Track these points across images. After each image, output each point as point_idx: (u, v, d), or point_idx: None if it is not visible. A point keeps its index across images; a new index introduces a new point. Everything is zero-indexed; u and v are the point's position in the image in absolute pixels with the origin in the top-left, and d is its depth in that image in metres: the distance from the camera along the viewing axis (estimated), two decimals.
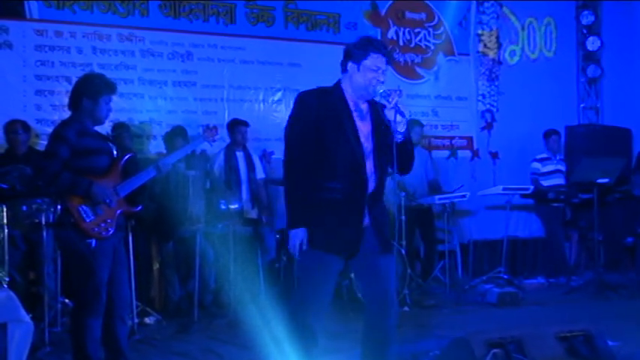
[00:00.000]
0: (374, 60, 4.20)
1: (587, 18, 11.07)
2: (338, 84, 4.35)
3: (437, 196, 8.92)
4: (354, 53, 4.25)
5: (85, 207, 4.70)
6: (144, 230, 7.02)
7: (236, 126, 8.02)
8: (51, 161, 4.68)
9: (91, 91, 4.86)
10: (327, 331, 6.60)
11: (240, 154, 8.00)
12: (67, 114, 5.01)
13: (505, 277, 8.86)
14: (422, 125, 9.08)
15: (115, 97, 5.08)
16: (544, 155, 9.69)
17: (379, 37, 9.65)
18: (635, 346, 5.38)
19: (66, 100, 5.05)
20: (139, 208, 5.18)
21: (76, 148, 4.72)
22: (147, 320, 6.83)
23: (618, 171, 9.39)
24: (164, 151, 7.59)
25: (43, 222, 6.15)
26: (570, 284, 9.09)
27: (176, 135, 7.47)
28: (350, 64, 4.24)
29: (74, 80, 5.10)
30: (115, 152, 5.04)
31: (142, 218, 6.13)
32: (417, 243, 8.89)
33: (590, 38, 11.07)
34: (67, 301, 6.49)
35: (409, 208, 8.48)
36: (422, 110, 9.85)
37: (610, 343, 4.79)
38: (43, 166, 4.75)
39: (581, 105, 11.20)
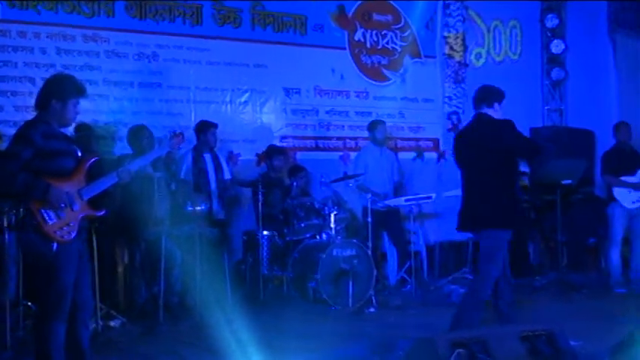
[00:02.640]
0: None
1: (551, 21, 11.14)
2: None
3: (403, 198, 8.94)
4: None
5: (46, 210, 4.61)
6: (108, 232, 6.93)
7: (206, 128, 7.98)
8: (10, 161, 4.56)
9: (60, 92, 4.76)
10: (294, 332, 6.65)
11: (207, 156, 7.97)
12: (30, 115, 4.91)
13: (470, 277, 8.87)
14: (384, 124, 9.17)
15: None
16: None
17: (346, 39, 9.68)
18: (597, 345, 5.39)
19: (29, 102, 4.96)
20: (102, 212, 5.09)
21: (41, 150, 4.60)
22: (111, 323, 6.71)
23: (581, 172, 9.44)
24: (130, 152, 7.48)
25: (5, 224, 6.04)
26: (534, 284, 9.14)
27: (140, 134, 7.37)
28: None
29: (38, 81, 5.01)
30: (79, 154, 4.94)
31: (106, 220, 6.02)
32: (383, 245, 8.86)
33: (555, 41, 11.15)
34: (29, 304, 6.38)
35: (375, 210, 8.48)
36: (388, 112, 9.86)
37: (572, 342, 4.78)
38: (0, 165, 4.63)
39: (546, 107, 11.30)
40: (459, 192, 9.10)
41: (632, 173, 8.72)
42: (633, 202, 8.70)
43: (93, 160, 5.00)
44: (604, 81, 11.17)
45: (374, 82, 9.96)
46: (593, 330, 6.19)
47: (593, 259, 9.92)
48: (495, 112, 6.27)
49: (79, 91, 4.86)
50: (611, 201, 8.82)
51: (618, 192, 8.73)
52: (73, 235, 4.71)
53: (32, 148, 4.57)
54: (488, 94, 6.34)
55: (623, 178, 8.71)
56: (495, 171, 6.01)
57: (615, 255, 8.81)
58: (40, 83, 7.40)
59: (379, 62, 10.03)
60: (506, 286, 6.22)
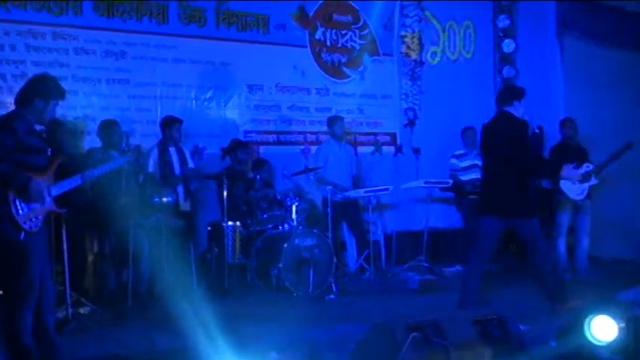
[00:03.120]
0: None
1: (503, 22, 11.25)
2: None
3: (362, 190, 9.05)
4: None
5: (19, 200, 4.68)
6: (78, 223, 6.94)
7: (172, 123, 8.01)
8: None
9: (44, 92, 4.86)
10: (257, 317, 6.73)
11: (172, 150, 8.00)
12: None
13: (426, 265, 9.03)
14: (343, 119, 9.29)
15: None
16: (461, 151, 9.85)
17: (307, 38, 9.76)
18: (544, 328, 5.45)
19: None
20: (64, 210, 5.17)
21: (21, 144, 4.69)
22: (81, 310, 6.75)
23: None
24: (98, 145, 7.49)
25: None
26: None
27: (110, 129, 7.41)
28: None
29: (8, 77, 5.01)
30: (49, 152, 5.03)
31: (76, 211, 6.07)
32: (342, 234, 8.97)
33: (506, 41, 11.25)
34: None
35: (335, 201, 8.58)
36: (348, 108, 9.97)
37: (521, 327, 4.86)
38: None
39: None
40: (414, 184, 9.33)
41: (578, 167, 8.88)
42: (578, 194, 8.86)
43: (62, 158, 5.14)
44: (552, 79, 11.24)
45: (334, 79, 10.04)
46: (541, 314, 6.31)
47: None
48: (515, 109, 6.79)
49: (60, 93, 4.97)
50: (557, 192, 8.95)
51: (564, 184, 8.89)
52: (39, 227, 4.81)
53: (15, 139, 4.66)
54: (507, 93, 6.94)
55: (569, 171, 8.84)
56: (513, 161, 6.58)
57: (561, 244, 8.96)
58: (10, 80, 7.62)
59: (339, 60, 10.10)
60: None
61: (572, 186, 8.83)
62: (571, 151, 9.00)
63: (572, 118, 9.27)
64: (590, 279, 8.67)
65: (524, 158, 6.67)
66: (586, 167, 8.86)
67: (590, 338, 4.83)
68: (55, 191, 4.99)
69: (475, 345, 4.43)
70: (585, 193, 8.89)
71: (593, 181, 8.88)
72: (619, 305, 4.93)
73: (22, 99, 4.89)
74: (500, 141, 6.66)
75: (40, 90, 4.87)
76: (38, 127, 5.14)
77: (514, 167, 6.57)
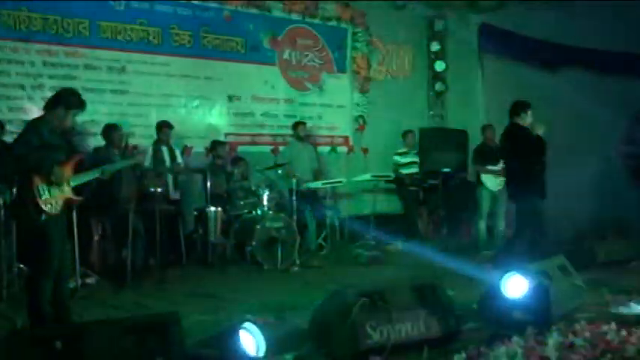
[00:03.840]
0: None
1: (435, 46, 11.30)
2: None
3: (321, 182, 9.03)
4: None
5: (42, 186, 4.59)
6: (86, 209, 6.82)
7: (163, 127, 7.96)
8: (22, 146, 4.62)
9: (66, 102, 4.79)
10: (236, 286, 6.68)
11: (164, 149, 7.92)
12: None
13: (373, 243, 9.02)
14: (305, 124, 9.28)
15: None
16: (403, 150, 9.87)
17: (277, 58, 9.68)
18: (468, 294, 5.47)
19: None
20: (80, 198, 5.11)
21: (45, 143, 4.64)
22: (88, 281, 6.65)
23: (457, 163, 9.70)
24: (102, 145, 7.37)
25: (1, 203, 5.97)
26: (421, 248, 9.22)
27: (112, 131, 7.29)
28: None
29: (27, 88, 4.87)
30: (71, 150, 5.06)
31: (84, 199, 5.97)
32: (304, 218, 8.92)
33: (438, 62, 11.29)
34: (22, 266, 6.26)
35: (299, 191, 8.56)
36: (309, 115, 9.91)
37: (449, 292, 4.87)
38: (15, 148, 4.72)
39: (430, 112, 11.39)
40: (363, 177, 9.33)
41: (495, 164, 8.94)
42: (496, 186, 8.91)
43: (79, 156, 5.15)
44: (474, 93, 11.37)
45: (298, 92, 9.99)
46: (466, 282, 6.32)
47: (466, 228, 10.12)
48: (522, 119, 6.97)
49: (81, 105, 4.90)
50: (479, 184, 8.99)
51: (484, 177, 8.94)
52: (59, 210, 4.72)
53: (39, 139, 4.62)
54: (514, 108, 7.04)
55: (488, 167, 8.92)
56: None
57: (482, 225, 9.00)
58: (29, 89, 7.59)
59: (302, 76, 10.05)
60: None
61: (492, 179, 8.88)
62: (490, 152, 9.03)
63: (491, 124, 9.32)
64: None
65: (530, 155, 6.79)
66: (502, 164, 8.91)
67: (505, 295, 4.87)
68: (75, 181, 4.95)
69: (412, 308, 4.42)
70: (501, 185, 8.93)
71: None
72: (529, 268, 4.98)
73: (48, 106, 4.83)
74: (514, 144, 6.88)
75: (63, 100, 4.79)
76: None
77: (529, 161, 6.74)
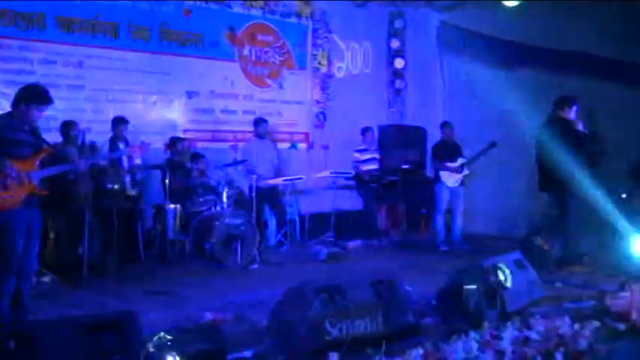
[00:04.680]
0: None
1: (394, 43, 11.37)
2: None
3: (281, 178, 9.03)
4: None
5: None
6: (42, 206, 6.71)
7: (119, 122, 7.85)
8: None
9: (27, 98, 4.80)
10: (194, 283, 6.65)
11: (122, 144, 7.81)
12: None
13: (332, 239, 9.06)
14: (265, 121, 9.22)
15: None
16: (363, 147, 9.93)
17: (236, 54, 9.64)
18: (426, 290, 5.52)
19: None
20: (45, 192, 5.06)
21: (8, 139, 4.67)
22: (44, 279, 6.56)
23: (417, 159, 9.79)
24: (60, 141, 7.24)
25: None
26: (381, 244, 9.41)
27: (70, 128, 7.18)
28: None
29: None
30: (38, 145, 4.99)
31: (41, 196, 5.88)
32: (264, 214, 8.92)
33: (397, 59, 11.36)
34: None
35: (259, 188, 8.54)
36: (269, 111, 9.85)
37: (407, 288, 4.92)
38: None
39: (390, 109, 11.42)
40: (323, 174, 9.37)
41: (454, 160, 9.06)
42: (454, 182, 9.04)
43: (45, 151, 5.07)
44: (433, 90, 11.45)
45: (258, 88, 9.94)
46: (423, 278, 6.41)
47: (425, 223, 10.23)
48: (566, 113, 7.28)
49: (44, 100, 4.87)
50: (437, 181, 9.10)
51: (443, 174, 9.04)
52: (17, 205, 4.71)
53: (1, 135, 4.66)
54: (561, 101, 7.35)
55: (446, 164, 9.04)
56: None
57: (440, 222, 9.11)
58: None
59: (262, 72, 10.00)
60: None
61: (449, 176, 8.99)
62: (448, 148, 9.16)
63: (450, 122, 9.43)
64: (463, 250, 8.80)
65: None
66: (460, 161, 9.04)
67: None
68: (38, 175, 4.93)
69: (370, 304, 4.46)
70: (459, 182, 9.06)
71: (465, 171, 9.05)
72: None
73: (13, 102, 4.84)
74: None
75: (23, 96, 4.79)
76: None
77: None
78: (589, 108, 8.29)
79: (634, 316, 4.78)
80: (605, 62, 12.20)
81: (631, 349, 4.38)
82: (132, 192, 7.85)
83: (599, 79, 11.86)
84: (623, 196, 8.89)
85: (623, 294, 5.41)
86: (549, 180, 7.24)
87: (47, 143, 5.13)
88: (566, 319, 4.75)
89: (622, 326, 4.69)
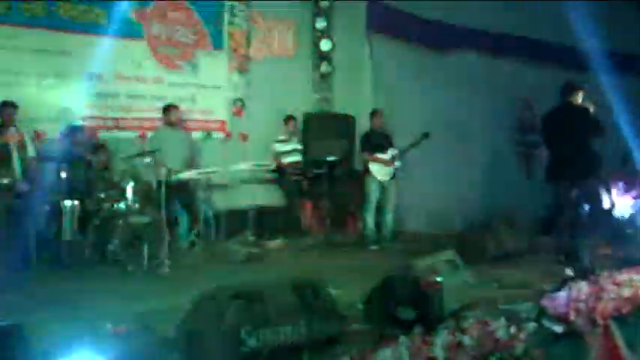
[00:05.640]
0: None
1: (320, 23, 11.34)
2: None
3: (194, 171, 8.90)
4: None
5: None
6: None
7: (4, 108, 7.62)
8: None
9: None
10: (93, 290, 6.47)
11: (10, 133, 7.56)
12: None
13: (251, 239, 9.01)
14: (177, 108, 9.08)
15: None
16: (284, 137, 9.92)
17: (144, 33, 9.45)
18: (353, 293, 5.51)
19: None
20: None
21: None
22: None
23: (344, 150, 9.83)
24: None
25: None
26: (304, 244, 9.40)
27: None
28: None
29: None
30: None
31: None
32: (175, 211, 8.78)
33: (324, 40, 11.32)
34: None
35: (169, 182, 8.39)
36: (180, 96, 9.70)
37: (333, 291, 4.90)
38: None
39: (316, 95, 11.38)
40: (242, 166, 9.30)
41: (384, 152, 9.13)
42: (384, 176, 9.12)
43: None
44: (362, 75, 11.50)
45: (168, 71, 9.79)
46: (351, 281, 6.40)
47: (352, 221, 10.29)
48: (575, 99, 7.49)
49: None
50: (367, 174, 9.18)
51: (372, 167, 9.12)
52: None
53: None
54: (568, 88, 7.54)
55: (376, 156, 9.10)
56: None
57: (370, 219, 9.20)
58: None
59: (173, 53, 9.85)
60: None
61: (380, 169, 9.07)
62: (379, 138, 9.24)
63: (380, 110, 9.50)
64: (394, 248, 8.89)
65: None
66: (391, 152, 9.12)
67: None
68: None
69: (292, 310, 4.41)
70: (390, 175, 9.15)
71: (397, 164, 9.15)
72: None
73: None
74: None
75: None
76: None
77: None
78: (527, 94, 8.53)
79: (572, 316, 4.90)
80: (542, 45, 12.54)
81: (568, 352, 4.49)
82: (23, 187, 7.62)
83: (536, 62, 12.20)
84: None
85: (561, 294, 5.54)
86: (565, 168, 7.43)
87: None
88: (502, 321, 4.82)
89: (559, 328, 4.80)
